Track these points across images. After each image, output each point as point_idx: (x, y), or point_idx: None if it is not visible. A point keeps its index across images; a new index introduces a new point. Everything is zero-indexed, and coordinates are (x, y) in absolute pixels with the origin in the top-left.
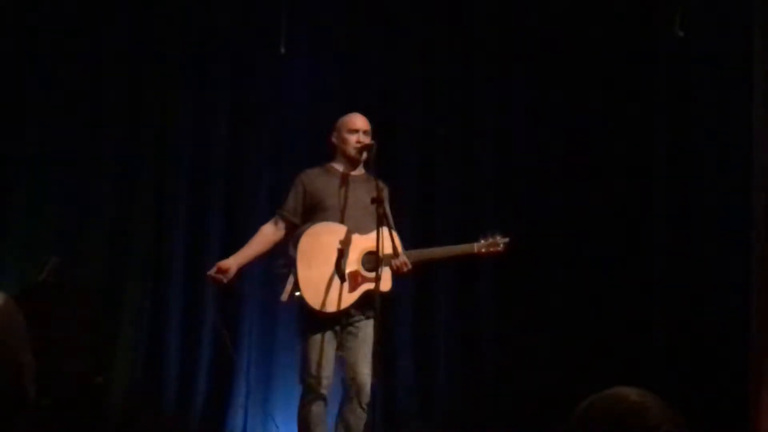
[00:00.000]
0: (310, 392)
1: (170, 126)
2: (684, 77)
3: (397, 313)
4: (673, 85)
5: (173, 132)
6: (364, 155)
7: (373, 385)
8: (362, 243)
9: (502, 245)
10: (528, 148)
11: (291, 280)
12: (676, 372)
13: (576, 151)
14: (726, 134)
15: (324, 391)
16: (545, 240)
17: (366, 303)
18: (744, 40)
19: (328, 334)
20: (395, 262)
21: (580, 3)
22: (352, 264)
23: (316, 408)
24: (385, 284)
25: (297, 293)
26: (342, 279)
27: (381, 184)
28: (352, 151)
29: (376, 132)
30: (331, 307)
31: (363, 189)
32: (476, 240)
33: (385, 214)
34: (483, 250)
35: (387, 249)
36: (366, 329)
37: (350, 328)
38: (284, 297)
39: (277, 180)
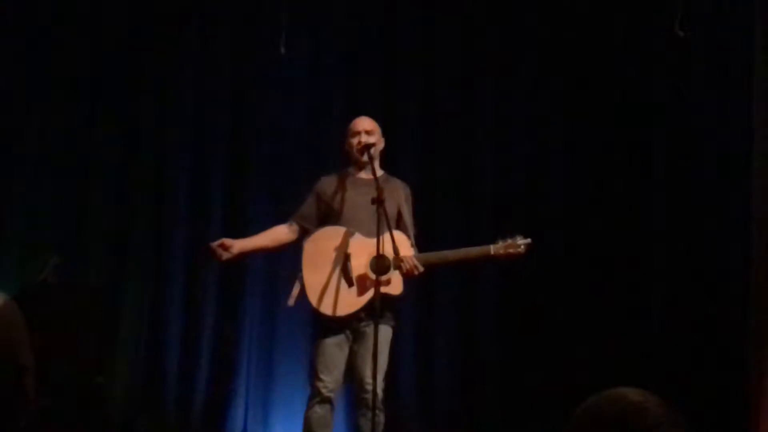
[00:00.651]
0: (316, 395)
1: (170, 126)
2: (684, 77)
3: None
4: (673, 85)
5: (173, 132)
6: (365, 156)
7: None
8: (371, 246)
9: (523, 246)
10: (528, 148)
11: (298, 285)
12: (675, 372)
13: (576, 151)
14: (726, 134)
15: (331, 394)
16: (545, 239)
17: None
18: (744, 40)
19: (338, 338)
20: (405, 266)
21: (580, 3)
22: (360, 268)
23: (322, 411)
24: (396, 288)
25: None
26: (349, 283)
27: (400, 184)
28: (355, 154)
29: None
30: (334, 311)
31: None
32: (493, 242)
33: (400, 215)
34: (501, 251)
35: (402, 251)
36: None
37: (360, 333)
38: (291, 301)
39: (277, 180)
